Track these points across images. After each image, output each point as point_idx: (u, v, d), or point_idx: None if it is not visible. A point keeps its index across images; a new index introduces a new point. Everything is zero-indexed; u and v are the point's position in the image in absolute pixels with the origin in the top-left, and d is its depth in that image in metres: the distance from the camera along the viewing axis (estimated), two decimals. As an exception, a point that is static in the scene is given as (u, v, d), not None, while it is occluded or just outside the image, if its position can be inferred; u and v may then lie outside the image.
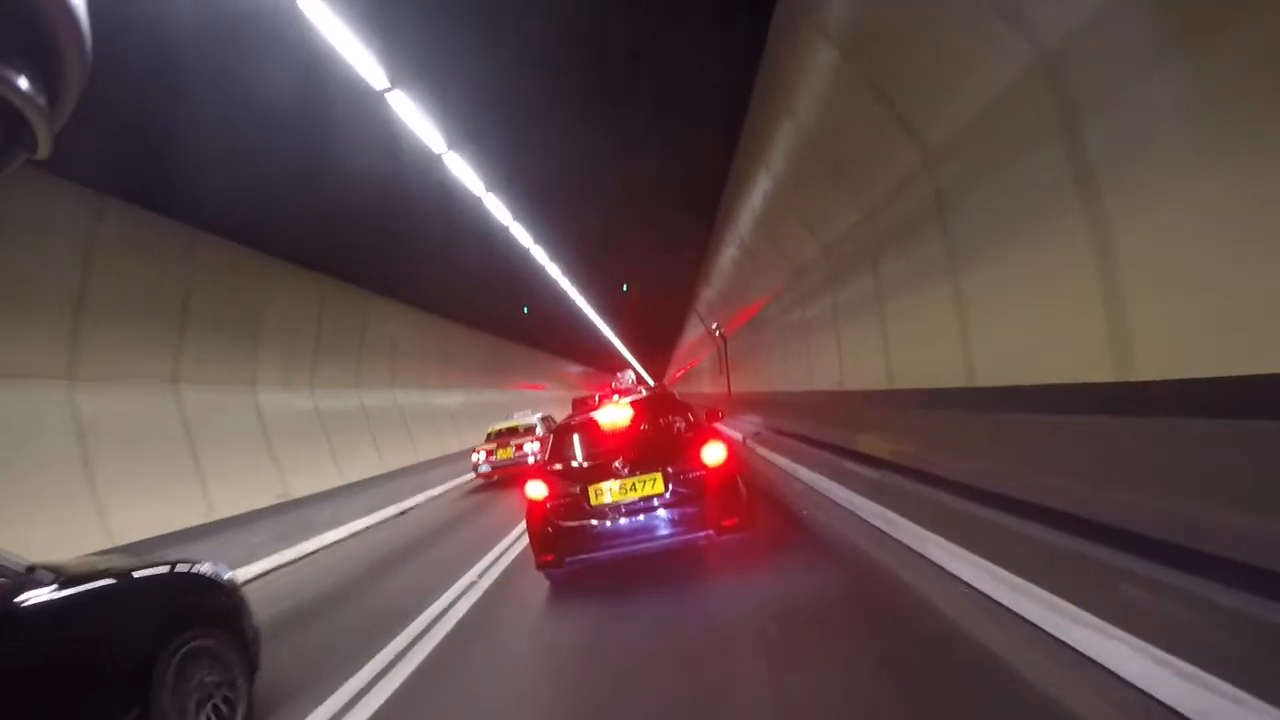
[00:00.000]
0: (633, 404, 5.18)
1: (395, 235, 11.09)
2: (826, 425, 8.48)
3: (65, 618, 2.41)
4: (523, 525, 5.80)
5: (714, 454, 4.29)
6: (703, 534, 4.17)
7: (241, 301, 9.55)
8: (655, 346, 41.65)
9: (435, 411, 18.31)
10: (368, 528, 9.31)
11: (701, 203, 13.39)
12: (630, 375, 39.07)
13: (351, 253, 11.16)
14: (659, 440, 4.83)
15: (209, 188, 7.20)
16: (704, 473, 4.23)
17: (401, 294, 14.63)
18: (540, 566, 4.38)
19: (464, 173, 9.02)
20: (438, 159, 8.25)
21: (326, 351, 12.25)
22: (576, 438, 4.89)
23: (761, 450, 10.25)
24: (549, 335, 27.47)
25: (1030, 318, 4.55)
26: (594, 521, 4.18)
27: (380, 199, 9.23)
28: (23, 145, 0.75)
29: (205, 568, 3.18)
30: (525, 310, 19.20)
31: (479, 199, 10.06)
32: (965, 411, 5.23)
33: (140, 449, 7.50)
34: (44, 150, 0.76)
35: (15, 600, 2.23)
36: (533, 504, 4.39)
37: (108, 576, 2.75)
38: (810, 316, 11.58)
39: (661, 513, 4.17)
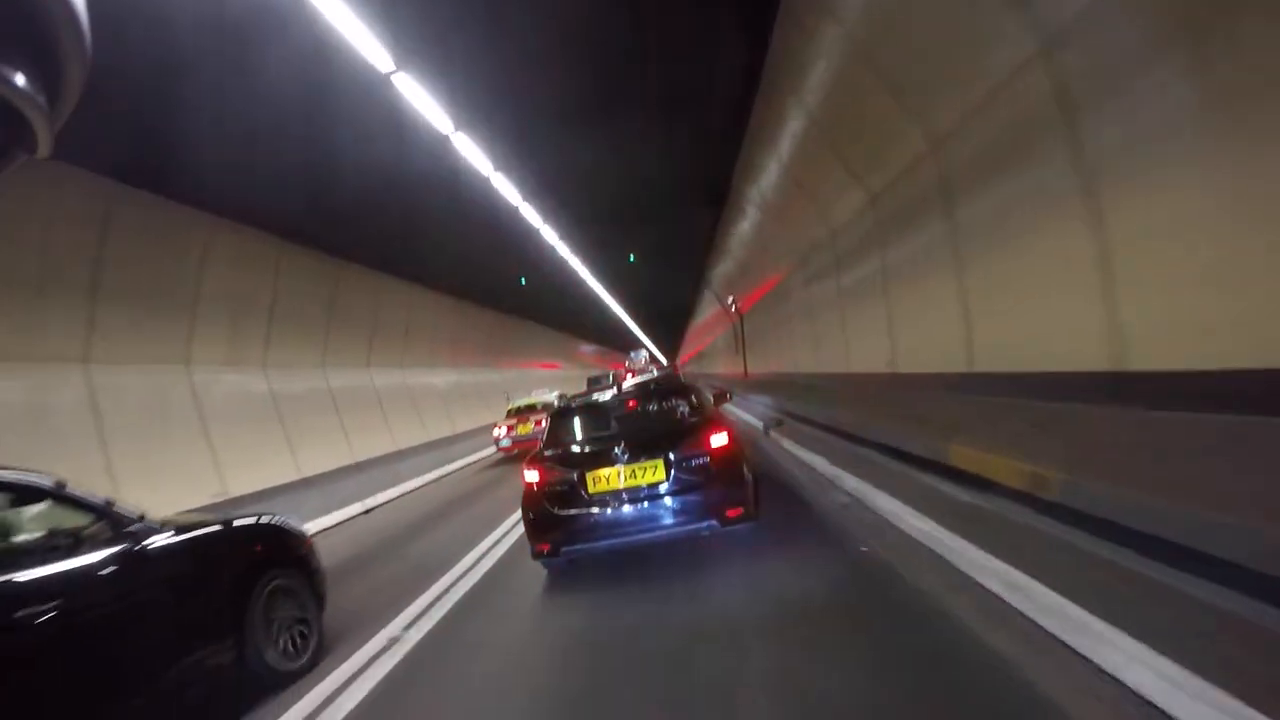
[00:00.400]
0: (636, 387, 5.00)
1: (413, 221, 11.36)
2: (880, 419, 6.55)
3: (180, 557, 3.01)
4: None
5: (719, 440, 4.07)
6: (706, 524, 3.94)
7: (319, 298, 11.48)
8: (667, 326, 41.73)
9: (464, 388, 19.63)
10: (427, 483, 11.36)
11: (715, 176, 12.75)
12: (643, 354, 40.24)
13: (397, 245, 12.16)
14: (661, 425, 4.51)
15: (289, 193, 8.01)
16: (708, 459, 4.01)
17: (420, 278, 15.32)
18: (536, 556, 4.19)
19: (473, 154, 8.90)
20: (445, 140, 8.21)
21: (380, 338, 14.15)
22: (575, 421, 4.67)
23: (789, 445, 8.36)
24: (563, 316, 27.82)
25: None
26: (592, 510, 4.02)
27: (392, 185, 9.32)
28: (23, 144, 0.77)
29: (282, 520, 3.79)
30: (523, 281, 17.53)
31: (487, 179, 9.96)
32: (1145, 410, 3.35)
33: (244, 423, 9.12)
34: (44, 149, 0.78)
35: (145, 543, 2.83)
36: (528, 490, 4.21)
37: (209, 526, 3.36)
38: (848, 285, 9.63)
39: (663, 501, 3.97)
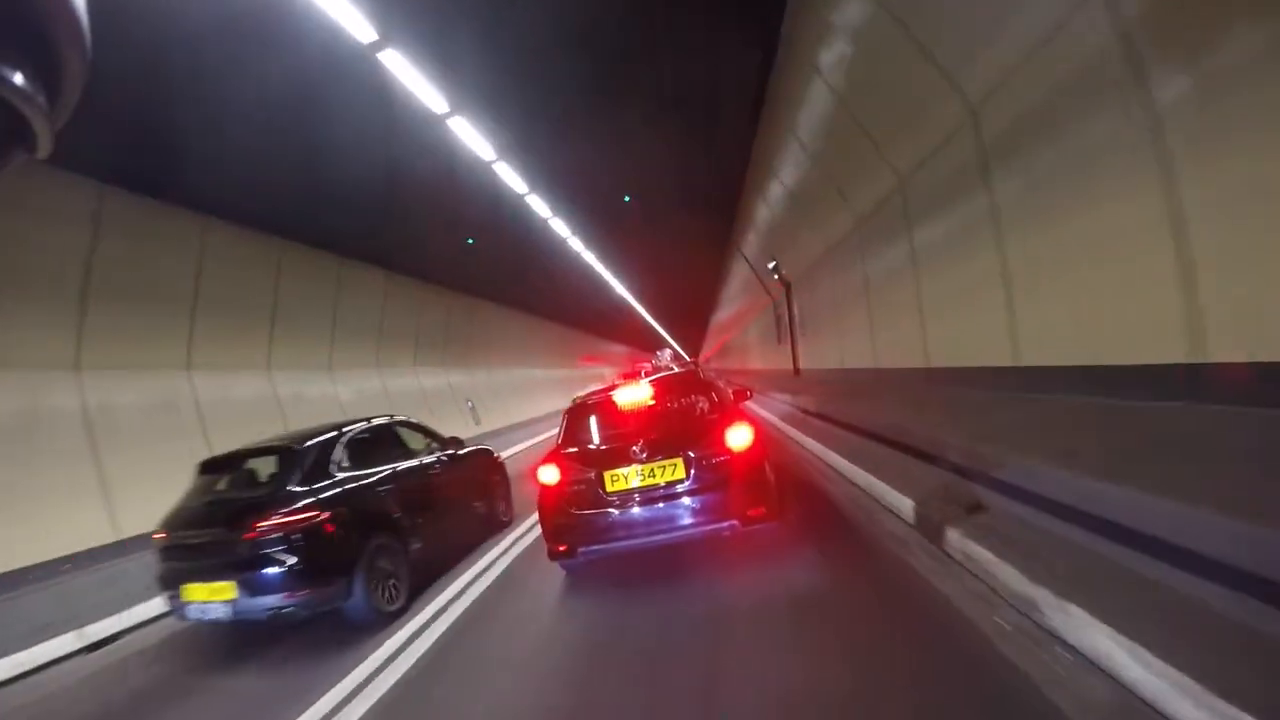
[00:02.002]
0: (653, 383, 4.73)
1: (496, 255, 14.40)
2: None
3: (465, 456, 6.02)
4: None
5: (740, 437, 3.96)
6: (727, 524, 3.83)
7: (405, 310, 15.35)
8: (688, 324, 41.78)
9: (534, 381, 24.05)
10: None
11: (731, 154, 11.92)
12: (667, 353, 41.83)
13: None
14: (680, 422, 4.39)
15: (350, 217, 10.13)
16: (729, 458, 3.91)
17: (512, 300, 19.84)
18: (554, 557, 4.13)
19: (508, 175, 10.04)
20: (488, 165, 9.38)
21: (477, 350, 19.41)
22: (592, 420, 4.52)
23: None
24: (600, 322, 31.97)
25: None
26: (610, 510, 3.94)
27: (438, 204, 10.64)
28: (23, 144, 0.75)
29: (490, 447, 7.05)
30: (470, 240, 13.32)
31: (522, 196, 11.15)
32: None
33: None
34: (44, 149, 0.76)
35: (452, 451, 5.82)
36: (545, 490, 4.15)
37: (474, 447, 6.48)
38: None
39: (682, 501, 3.88)
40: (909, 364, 7.22)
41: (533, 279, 19.05)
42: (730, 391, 5.27)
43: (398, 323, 15.70)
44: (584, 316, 29.46)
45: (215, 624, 4.17)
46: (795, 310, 14.67)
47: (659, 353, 43.15)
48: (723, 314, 36.05)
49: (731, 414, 4.22)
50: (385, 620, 4.12)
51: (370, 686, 3.24)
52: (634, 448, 3.94)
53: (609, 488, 3.93)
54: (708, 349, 56.83)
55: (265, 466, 4.52)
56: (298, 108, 6.60)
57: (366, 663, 3.54)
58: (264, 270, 10.11)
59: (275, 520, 3.87)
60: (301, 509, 3.96)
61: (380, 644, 3.77)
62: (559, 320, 28.96)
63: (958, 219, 5.82)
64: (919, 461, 4.91)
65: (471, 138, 8.24)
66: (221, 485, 4.59)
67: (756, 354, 25.07)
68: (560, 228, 13.83)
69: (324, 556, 3.93)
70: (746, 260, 18.13)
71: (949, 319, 6.25)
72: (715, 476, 3.86)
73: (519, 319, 24.43)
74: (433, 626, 3.94)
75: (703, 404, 4.54)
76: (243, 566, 3.84)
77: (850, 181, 8.32)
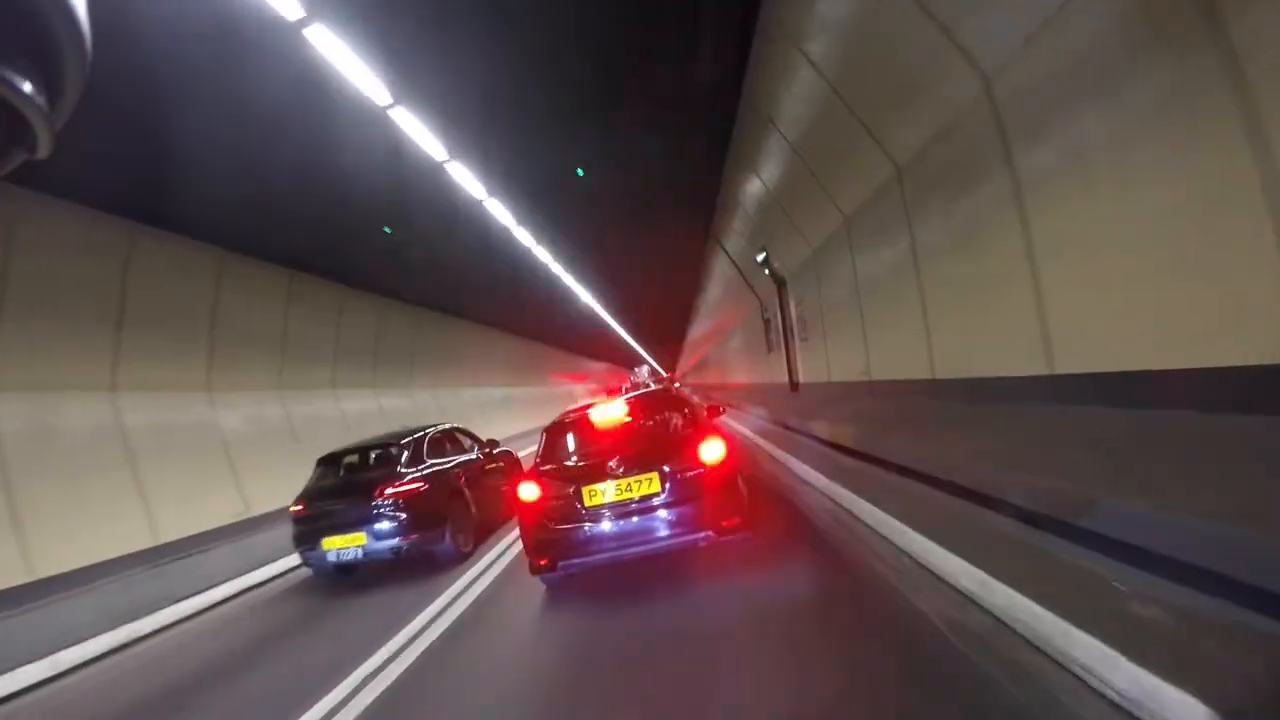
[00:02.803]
0: (628, 401, 5.00)
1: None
2: None
3: (495, 455, 7.91)
4: None
5: (712, 451, 4.13)
6: (702, 535, 4.00)
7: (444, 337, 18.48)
8: (663, 336, 41.07)
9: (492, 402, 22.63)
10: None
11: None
12: (645, 369, 45.83)
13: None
14: (655, 438, 4.62)
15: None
16: (702, 471, 4.07)
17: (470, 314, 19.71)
18: (535, 571, 4.30)
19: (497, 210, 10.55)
20: (478, 201, 9.74)
21: (421, 369, 17.98)
22: (570, 437, 4.74)
23: None
24: (584, 342, 33.77)
25: None
26: (589, 524, 4.08)
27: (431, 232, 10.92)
28: (23, 145, 0.74)
29: (509, 449, 8.70)
30: (386, 230, 10.62)
31: (479, 201, 10.22)
32: None
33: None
34: (44, 150, 0.75)
35: (486, 450, 7.74)
36: (525, 506, 4.31)
37: (500, 447, 8.25)
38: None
39: (658, 514, 4.03)
40: (1009, 369, 4.68)
41: (492, 289, 17.27)
42: (704, 408, 5.50)
43: (308, 333, 12.81)
44: (552, 331, 28.30)
45: (346, 565, 5.96)
46: (791, 311, 12.20)
47: (637, 369, 46.32)
48: (700, 327, 33.99)
49: (704, 429, 4.39)
50: (461, 558, 6.09)
51: (466, 593, 4.97)
52: (610, 463, 4.11)
53: (587, 502, 4.07)
54: (684, 364, 56.03)
55: (368, 458, 6.71)
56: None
57: (459, 581, 5.36)
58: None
59: (395, 489, 5.85)
60: (410, 481, 5.99)
61: (462, 573, 5.61)
62: (524, 335, 27.48)
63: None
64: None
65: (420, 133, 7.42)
66: (339, 471, 6.66)
67: (740, 366, 22.55)
68: (524, 236, 12.80)
69: (426, 513, 5.88)
70: (728, 256, 15.69)
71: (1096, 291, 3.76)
72: (689, 490, 4.01)
73: (477, 333, 22.61)
74: (496, 563, 5.82)
75: (676, 420, 4.76)
76: (372, 521, 5.76)
77: (890, 109, 5.88)
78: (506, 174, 9.45)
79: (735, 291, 17.87)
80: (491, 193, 9.97)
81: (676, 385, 36.01)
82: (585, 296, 21.16)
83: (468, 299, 17.92)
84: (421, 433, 6.79)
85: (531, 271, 15.51)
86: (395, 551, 5.70)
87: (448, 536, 6.03)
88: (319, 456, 6.85)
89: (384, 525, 5.72)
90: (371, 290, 14.33)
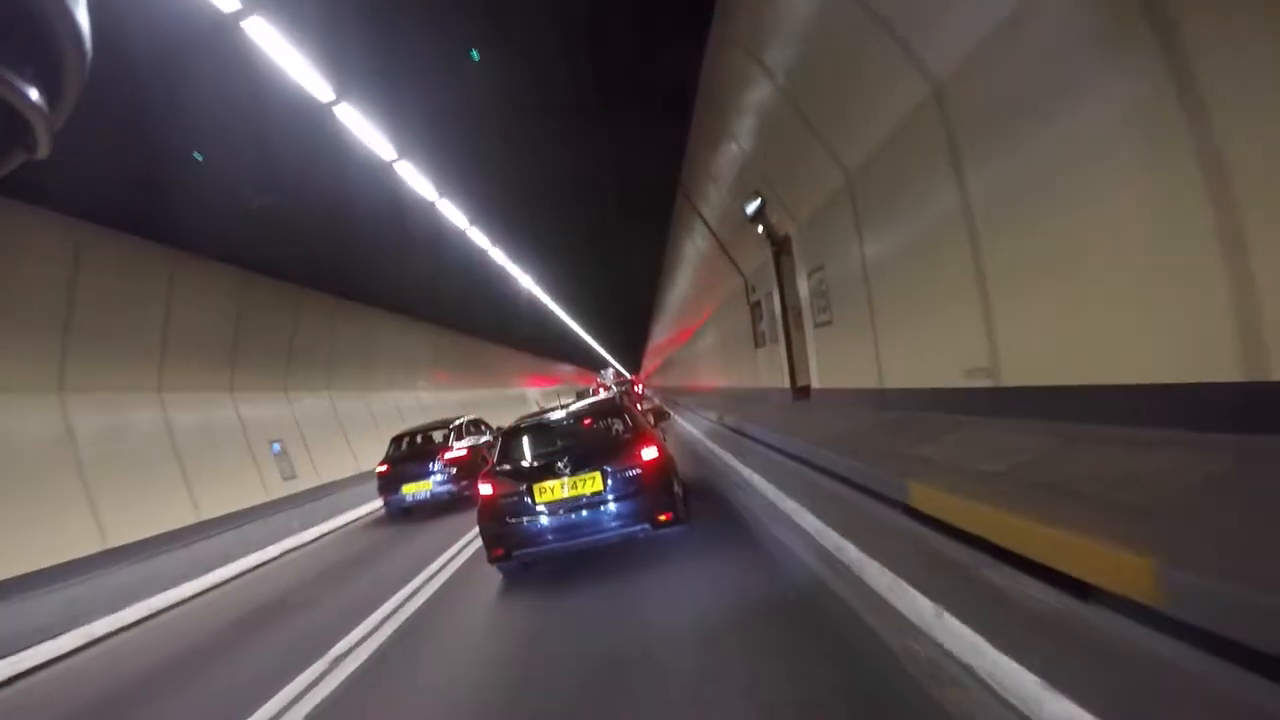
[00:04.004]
0: (576, 410, 5.34)
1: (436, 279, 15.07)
2: None
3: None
4: None
5: (649, 453, 4.47)
6: (640, 528, 4.31)
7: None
8: (626, 336, 40.89)
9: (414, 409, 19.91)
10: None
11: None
12: (610, 372, 47.81)
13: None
14: (598, 441, 4.98)
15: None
16: (639, 471, 4.40)
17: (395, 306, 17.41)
18: (492, 560, 4.57)
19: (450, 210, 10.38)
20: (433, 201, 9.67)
21: (319, 369, 14.85)
22: (524, 440, 5.03)
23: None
24: (553, 345, 35.17)
25: None
26: (540, 518, 4.39)
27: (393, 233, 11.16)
28: (22, 145, 0.75)
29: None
30: (198, 156, 7.01)
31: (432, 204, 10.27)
32: None
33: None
34: (43, 150, 0.76)
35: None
36: (483, 500, 4.61)
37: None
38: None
39: (601, 509, 4.35)
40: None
41: (423, 278, 15.44)
42: (648, 415, 6.64)
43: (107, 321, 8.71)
44: (502, 330, 26.26)
45: (418, 504, 8.72)
46: (800, 286, 8.47)
47: (603, 372, 48.33)
48: (665, 326, 30.37)
49: (643, 434, 4.77)
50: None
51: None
52: (559, 464, 4.45)
53: (538, 499, 4.40)
54: (648, 364, 53.83)
55: (428, 436, 9.75)
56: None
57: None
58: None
59: (449, 455, 8.74)
60: (456, 450, 8.86)
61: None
62: (470, 334, 25.02)
63: None
64: None
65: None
66: (409, 443, 9.71)
67: (714, 366, 18.67)
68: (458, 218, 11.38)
69: (466, 470, 8.39)
70: (704, 223, 11.94)
71: None
72: (629, 488, 4.36)
73: (408, 329, 19.36)
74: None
75: (618, 426, 5.19)
76: (435, 474, 8.63)
77: None
78: (460, 175, 9.49)
79: (710, 274, 14.15)
80: (443, 194, 9.93)
81: (639, 389, 33.24)
82: (543, 297, 20.67)
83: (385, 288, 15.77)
84: (457, 421, 9.75)
85: (484, 270, 15.09)
86: (450, 494, 8.56)
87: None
88: (392, 436, 10.33)
89: (442, 477, 8.64)
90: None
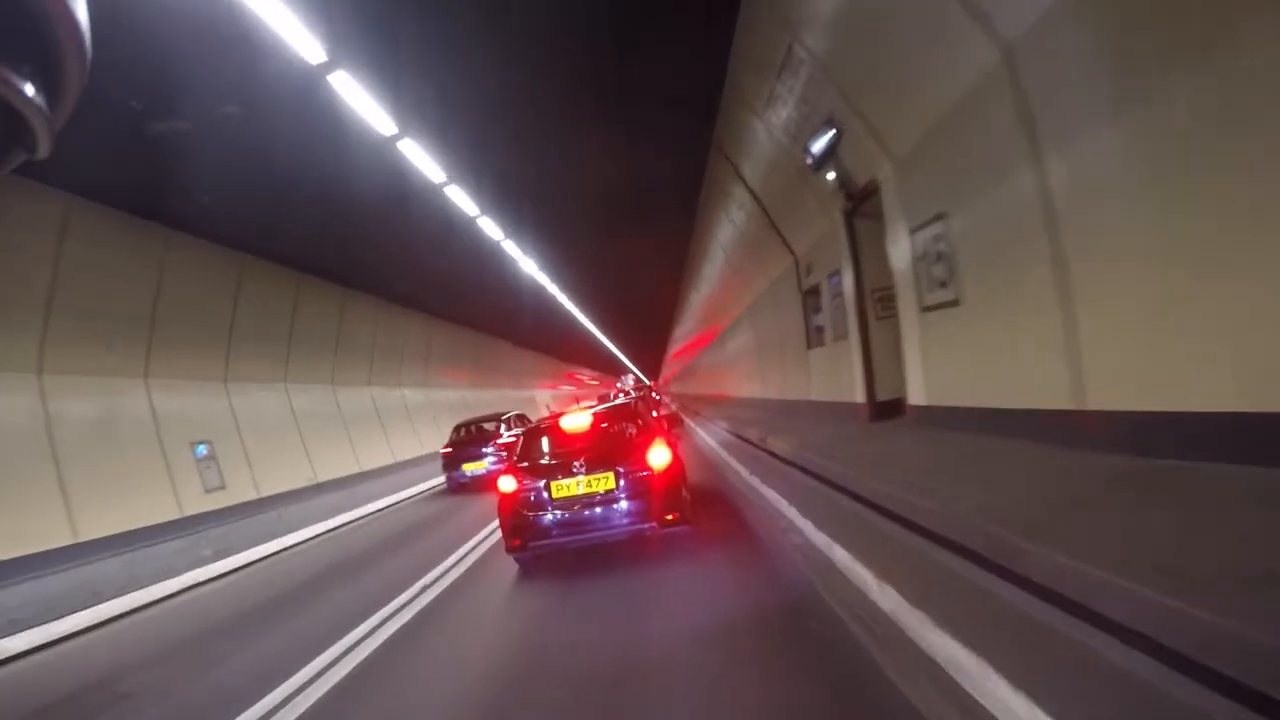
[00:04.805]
0: (594, 413, 5.42)
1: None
2: None
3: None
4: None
5: (659, 457, 4.62)
6: (648, 526, 4.47)
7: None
8: (645, 342, 40.64)
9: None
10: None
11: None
12: (630, 379, 52.98)
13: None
14: (613, 443, 5.09)
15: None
16: (649, 473, 4.56)
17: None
18: (509, 550, 4.75)
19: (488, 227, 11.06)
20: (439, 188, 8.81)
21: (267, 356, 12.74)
22: (544, 440, 5.23)
23: None
24: (581, 353, 37.84)
25: None
26: (555, 513, 4.58)
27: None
28: (23, 145, 0.74)
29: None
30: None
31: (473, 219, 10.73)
32: None
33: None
34: (44, 150, 0.75)
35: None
36: (503, 496, 4.76)
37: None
38: None
39: (613, 506, 4.54)
40: None
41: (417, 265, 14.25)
42: (660, 418, 6.93)
43: None
44: (508, 323, 24.51)
45: (475, 479, 10.46)
46: (900, 249, 5.78)
47: (623, 378, 51.32)
48: (686, 327, 27.91)
49: (655, 438, 4.85)
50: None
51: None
52: (575, 463, 4.65)
53: (555, 495, 4.60)
54: (666, 372, 52.37)
55: (482, 425, 11.59)
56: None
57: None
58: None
59: (501, 441, 10.41)
60: (509, 437, 10.06)
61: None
62: (473, 327, 22.81)
63: None
64: None
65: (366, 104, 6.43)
66: (466, 431, 11.59)
67: (745, 372, 15.67)
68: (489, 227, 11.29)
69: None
70: (742, 182, 9.35)
71: None
72: (639, 488, 4.54)
73: (393, 316, 17.03)
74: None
75: (631, 429, 5.30)
76: (489, 456, 10.39)
77: None
78: (498, 190, 9.59)
79: (747, 258, 11.56)
80: (484, 210, 10.24)
81: (656, 396, 31.90)
82: (572, 308, 21.24)
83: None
84: (506, 414, 11.92)
85: (516, 280, 15.51)
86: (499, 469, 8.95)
87: None
88: (455, 424, 12.29)
89: (494, 459, 10.15)
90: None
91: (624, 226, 12.66)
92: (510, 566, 4.91)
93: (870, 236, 6.75)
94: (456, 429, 11.77)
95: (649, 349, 44.04)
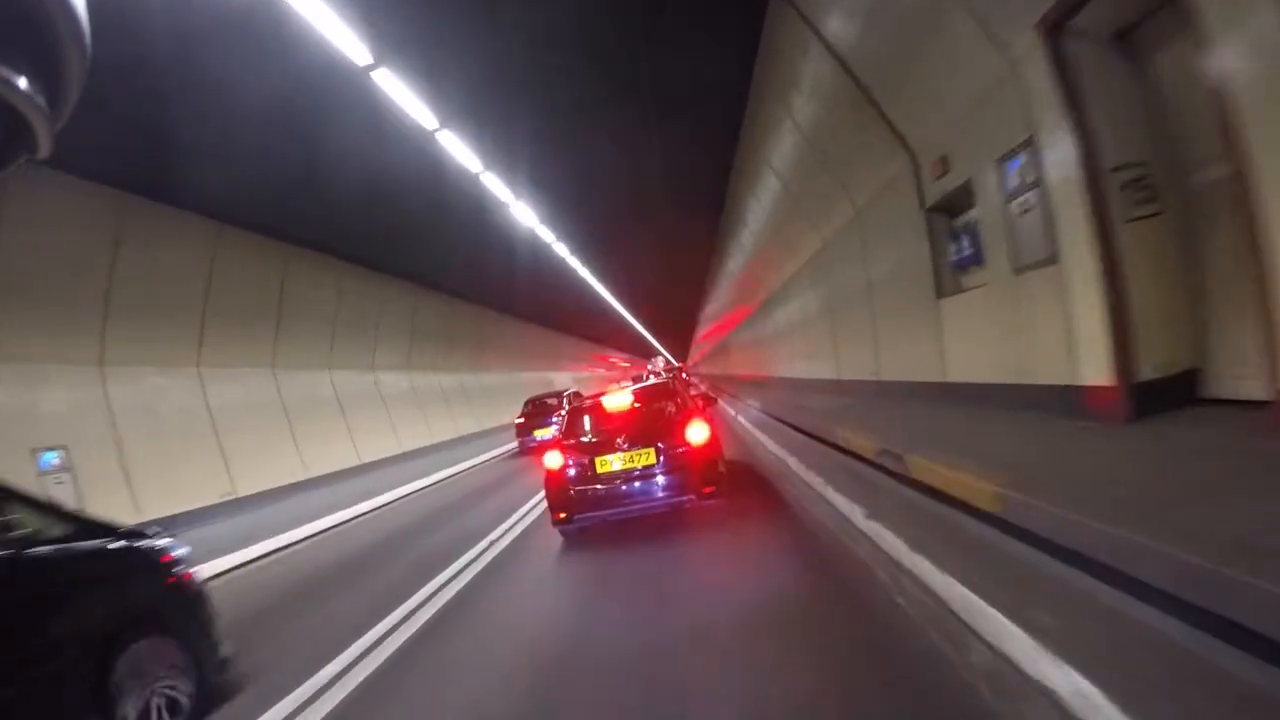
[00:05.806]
0: (633, 391, 5.82)
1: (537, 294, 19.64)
2: None
3: None
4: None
5: (697, 433, 4.90)
6: (686, 498, 4.80)
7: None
8: (674, 322, 40.04)
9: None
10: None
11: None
12: (660, 361, 56.70)
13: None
14: (653, 421, 5.36)
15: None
16: (688, 448, 4.86)
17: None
18: (555, 523, 5.03)
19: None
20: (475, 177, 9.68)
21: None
22: (587, 418, 5.54)
23: None
24: (613, 336, 39.89)
25: None
26: (599, 487, 4.89)
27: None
28: (24, 145, 0.77)
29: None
30: None
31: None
32: None
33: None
34: (44, 150, 0.78)
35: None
36: (550, 472, 5.05)
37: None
38: None
39: (654, 480, 4.84)
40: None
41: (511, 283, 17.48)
42: (696, 397, 7.05)
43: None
44: (574, 323, 29.27)
45: (543, 442, 11.06)
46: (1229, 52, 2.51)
47: (653, 359, 53.38)
48: (718, 303, 24.90)
49: (693, 414, 5.18)
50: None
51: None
52: (618, 439, 4.95)
53: (598, 470, 4.89)
54: (695, 353, 51.61)
55: (547, 399, 14.55)
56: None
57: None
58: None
59: (560, 414, 9.19)
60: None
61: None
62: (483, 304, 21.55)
63: None
64: None
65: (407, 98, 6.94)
66: (535, 405, 14.27)
67: (804, 346, 11.98)
68: (524, 213, 12.16)
69: None
70: (818, 36, 5.99)
71: None
72: (678, 462, 4.83)
73: (378, 285, 15.73)
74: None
75: (670, 407, 5.57)
76: (554, 424, 10.98)
77: None
78: (531, 178, 10.32)
79: (820, 179, 8.21)
80: (519, 197, 11.17)
81: (684, 376, 36.32)
82: (603, 292, 22.26)
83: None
84: (567, 392, 14.64)
85: (551, 265, 16.42)
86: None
87: None
88: (525, 399, 14.88)
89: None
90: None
91: (654, 199, 12.87)
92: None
93: (1102, 71, 3.50)
94: (527, 402, 14.72)
95: (677, 330, 43.59)
